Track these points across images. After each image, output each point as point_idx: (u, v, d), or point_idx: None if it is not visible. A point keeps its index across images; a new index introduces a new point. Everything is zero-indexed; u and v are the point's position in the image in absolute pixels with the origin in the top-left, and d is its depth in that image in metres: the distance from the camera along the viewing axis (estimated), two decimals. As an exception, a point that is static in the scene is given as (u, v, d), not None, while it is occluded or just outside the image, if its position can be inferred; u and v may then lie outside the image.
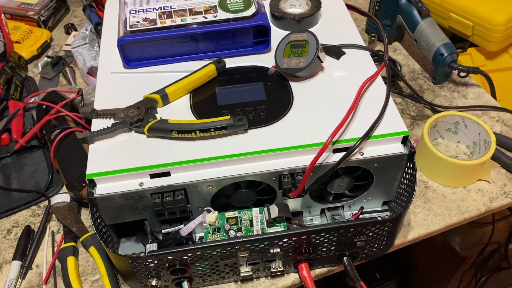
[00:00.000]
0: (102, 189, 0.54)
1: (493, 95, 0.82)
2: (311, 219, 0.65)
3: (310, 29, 0.71)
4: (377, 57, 0.73)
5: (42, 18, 0.98)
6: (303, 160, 0.56)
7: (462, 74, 0.81)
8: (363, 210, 0.65)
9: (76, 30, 0.99)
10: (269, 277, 0.61)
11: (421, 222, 0.65)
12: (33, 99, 0.81)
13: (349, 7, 0.77)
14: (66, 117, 0.74)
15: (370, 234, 0.56)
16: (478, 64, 1.05)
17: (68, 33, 0.99)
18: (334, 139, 0.55)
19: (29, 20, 0.98)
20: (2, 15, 0.88)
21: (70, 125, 0.73)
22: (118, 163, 0.55)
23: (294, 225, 0.60)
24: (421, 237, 0.65)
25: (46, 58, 0.92)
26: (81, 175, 0.66)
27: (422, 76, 0.86)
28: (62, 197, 0.67)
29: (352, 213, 0.65)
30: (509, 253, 1.03)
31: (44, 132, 0.74)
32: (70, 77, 0.87)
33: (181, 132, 0.56)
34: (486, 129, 0.68)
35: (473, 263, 1.00)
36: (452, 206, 0.67)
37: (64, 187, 0.70)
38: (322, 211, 0.65)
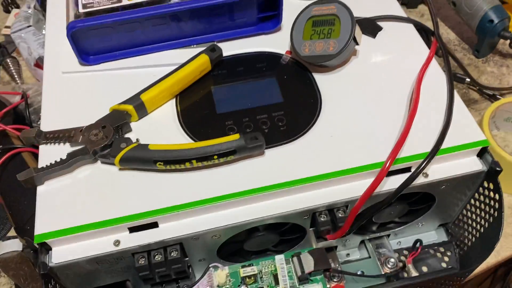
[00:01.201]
0: (61, 254, 0.37)
1: (551, 68, 0.66)
2: (347, 253, 0.50)
3: (331, -3, 0.53)
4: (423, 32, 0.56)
5: (-29, -7, 0.76)
6: (347, 191, 0.39)
7: (514, 44, 0.65)
8: (426, 245, 0.49)
9: (18, 7, 0.78)
10: None
11: (488, 246, 0.50)
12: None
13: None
14: (9, 133, 0.55)
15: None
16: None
17: (7, 11, 0.78)
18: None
19: (-45, -4, 0.76)
20: None
21: (14, 143, 0.54)
22: (82, 215, 0.37)
23: (332, 274, 0.44)
24: (490, 267, 0.50)
25: (-20, 46, 0.71)
26: (34, 215, 0.48)
27: (460, 48, 0.70)
28: (11, 245, 0.49)
29: (399, 242, 0.50)
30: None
31: (-20, 153, 0.55)
32: (13, 70, 0.67)
33: (170, 163, 0.38)
34: (561, 119, 0.53)
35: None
36: (524, 222, 0.52)
37: (13, 230, 0.52)
38: (361, 242, 0.50)
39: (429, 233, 0.51)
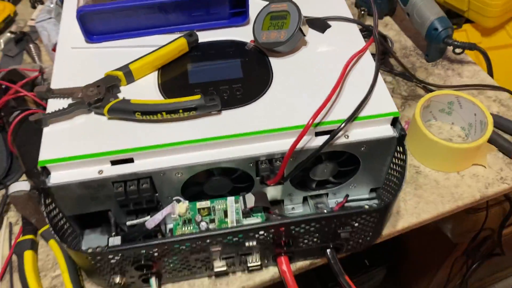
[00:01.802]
0: (57, 177, 0.49)
1: (490, 73, 0.77)
2: (293, 207, 0.60)
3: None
4: (367, 32, 0.67)
5: (5, -10, 0.90)
6: (283, 144, 0.50)
7: (457, 50, 0.76)
8: (349, 198, 0.59)
9: (43, 3, 0.92)
10: (246, 272, 0.56)
11: (412, 210, 0.60)
12: (-8, 78, 0.74)
13: (336, -24, 0.70)
14: (26, 98, 0.67)
15: (356, 224, 0.51)
16: (473, 41, 1.00)
17: (34, 7, 0.91)
18: (317, 121, 0.50)
19: (-9, -8, 0.90)
20: (-41, -14, 0.81)
21: (30, 106, 0.66)
22: (75, 149, 0.49)
23: (273, 215, 0.54)
24: (411, 226, 0.60)
25: (9, 34, 0.85)
26: (41, 161, 0.60)
27: (414, 53, 0.80)
28: (21, 185, 0.61)
29: (337, 201, 0.60)
30: (502, 239, 0.99)
31: (2, 114, 0.67)
32: (34, 54, 0.80)
33: (146, 113, 0.50)
34: (482, 110, 0.63)
35: (465, 250, 0.96)
36: (445, 193, 0.62)
37: (24, 174, 0.64)
38: (305, 199, 0.60)
39: (363, 197, 0.61)
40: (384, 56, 0.77)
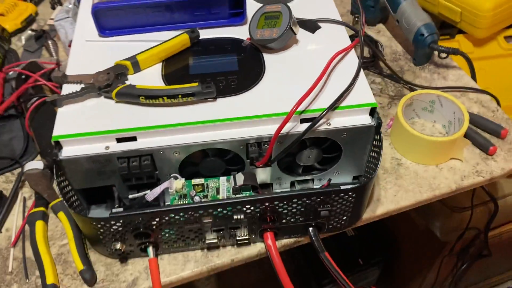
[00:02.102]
0: (68, 151, 0.55)
1: (473, 77, 0.82)
2: (281, 191, 0.65)
3: (289, 3, 0.71)
4: (355, 34, 0.73)
5: (28, -8, 0.98)
6: (270, 129, 0.56)
7: (442, 55, 0.81)
8: (334, 183, 0.65)
9: (61, 4, 0.99)
10: (235, 246, 0.61)
11: (391, 198, 0.65)
12: (13, 69, 0.81)
13: (330, -16, 0.77)
14: (44, 86, 0.74)
15: (334, 203, 0.56)
16: (466, 51, 1.05)
17: (53, 8, 0.99)
18: (301, 109, 0.56)
19: (15, -7, 0.98)
20: (-13, -14, 0.88)
21: (46, 94, 0.73)
22: (85, 126, 0.55)
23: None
24: (390, 212, 0.65)
25: (30, 32, 0.92)
26: (54, 142, 0.66)
27: (403, 57, 0.86)
28: (35, 164, 0.67)
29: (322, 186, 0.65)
30: (491, 241, 1.03)
31: (21, 100, 0.74)
32: (52, 50, 0.88)
33: (149, 97, 0.56)
34: (460, 108, 0.68)
35: (452, 248, 1.00)
36: (423, 183, 0.67)
37: (38, 155, 0.70)
38: (293, 184, 0.65)
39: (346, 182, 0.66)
40: (374, 59, 0.82)
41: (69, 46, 0.83)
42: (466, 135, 0.71)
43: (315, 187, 0.65)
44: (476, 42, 1.05)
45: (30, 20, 0.95)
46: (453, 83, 0.81)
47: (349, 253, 1.20)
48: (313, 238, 0.59)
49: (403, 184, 0.67)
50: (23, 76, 0.77)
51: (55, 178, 0.54)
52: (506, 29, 1.06)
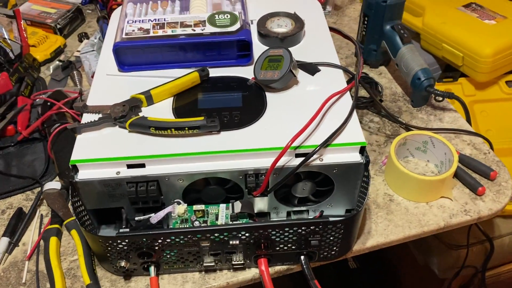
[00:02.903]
0: (84, 174, 0.61)
1: (468, 120, 0.86)
2: (275, 220, 0.70)
3: (292, 48, 0.77)
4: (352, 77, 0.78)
5: (58, 26, 1.07)
6: (267, 162, 0.61)
7: (438, 98, 0.86)
8: (326, 215, 0.69)
9: (88, 38, 1.08)
10: (231, 270, 0.65)
11: (381, 231, 0.69)
12: (40, 96, 0.89)
13: (334, 30, 0.83)
14: (66, 113, 0.81)
15: (324, 234, 0.60)
16: (468, 93, 1.10)
17: (81, 41, 1.08)
18: (296, 144, 0.61)
19: (47, 27, 1.07)
20: (22, 21, 0.97)
21: (68, 121, 0.80)
22: (100, 152, 0.61)
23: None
24: (380, 245, 0.68)
25: (57, 62, 1.01)
26: (72, 165, 0.73)
27: (402, 99, 0.91)
28: (54, 184, 0.73)
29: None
30: (487, 280, 1.05)
31: (45, 125, 0.81)
32: (76, 79, 0.95)
33: (158, 128, 0.62)
34: (450, 149, 0.72)
35: (449, 285, 1.02)
36: (413, 219, 0.70)
37: (57, 176, 0.77)
38: (289, 214, 0.70)
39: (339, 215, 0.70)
40: (373, 100, 0.87)
41: (92, 77, 0.91)
42: (456, 175, 0.74)
43: (309, 217, 0.70)
44: (478, 85, 1.10)
45: (58, 52, 1.04)
46: (448, 125, 0.85)
47: (350, 285, 1.22)
48: (304, 266, 0.63)
49: (393, 219, 0.71)
50: (49, 103, 0.84)
51: (70, 198, 0.60)
52: (507, 74, 1.10)
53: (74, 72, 0.96)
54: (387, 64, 0.99)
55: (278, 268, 0.65)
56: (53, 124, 0.80)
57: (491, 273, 1.05)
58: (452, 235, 0.97)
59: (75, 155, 0.61)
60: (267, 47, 0.76)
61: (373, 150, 0.81)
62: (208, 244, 0.60)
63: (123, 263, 0.61)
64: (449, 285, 1.02)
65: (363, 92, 0.90)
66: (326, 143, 0.61)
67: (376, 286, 1.22)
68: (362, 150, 0.62)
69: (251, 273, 0.65)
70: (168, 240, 0.59)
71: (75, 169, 0.61)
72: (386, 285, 1.22)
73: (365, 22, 0.92)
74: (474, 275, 1.04)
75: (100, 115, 0.65)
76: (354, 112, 0.65)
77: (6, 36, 0.98)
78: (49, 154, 0.77)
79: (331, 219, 0.58)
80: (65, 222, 0.70)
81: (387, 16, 0.89)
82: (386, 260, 1.24)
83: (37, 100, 0.89)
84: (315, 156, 0.60)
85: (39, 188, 0.76)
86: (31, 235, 0.70)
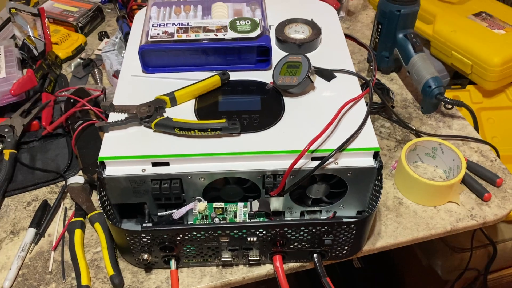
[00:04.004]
0: (111, 171, 0.64)
1: (476, 127, 0.89)
2: (291, 219, 0.73)
3: (309, 54, 0.80)
4: (366, 83, 0.81)
5: (79, 25, 1.11)
6: (285, 164, 0.64)
7: (448, 106, 0.89)
8: (338, 216, 0.72)
9: (108, 37, 1.11)
10: (247, 265, 0.68)
11: (391, 233, 0.72)
12: (63, 93, 0.92)
13: (348, 36, 0.86)
14: (89, 111, 0.84)
15: (337, 234, 0.63)
16: (476, 101, 1.13)
17: (101, 40, 1.11)
18: (313, 148, 0.64)
19: (69, 25, 1.10)
20: (46, 19, 1.00)
21: (91, 118, 0.83)
22: (126, 150, 0.64)
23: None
24: (389, 246, 0.71)
25: (79, 60, 1.04)
26: (95, 161, 0.75)
27: (413, 105, 0.94)
28: (77, 179, 0.77)
29: (328, 217, 0.73)
30: (489, 283, 1.08)
31: (69, 122, 0.85)
32: (97, 77, 0.98)
33: (182, 129, 0.65)
34: (459, 156, 0.75)
35: (452, 287, 1.05)
36: (421, 222, 0.74)
37: (80, 171, 0.80)
38: (302, 213, 0.73)
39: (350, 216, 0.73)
40: (384, 105, 0.90)
41: (113, 75, 0.94)
42: (463, 181, 0.77)
43: (322, 218, 0.73)
44: (486, 93, 1.12)
45: (79, 49, 1.07)
46: (457, 132, 0.88)
47: (354, 284, 1.25)
48: (317, 264, 0.66)
49: (402, 221, 0.74)
50: (72, 100, 0.87)
51: (98, 193, 0.63)
52: (515, 83, 1.13)
53: (95, 70, 0.99)
54: (399, 71, 1.02)
55: (291, 265, 0.69)
56: (76, 120, 0.83)
57: (493, 276, 1.08)
58: (457, 238, 1.00)
59: (103, 152, 0.64)
60: (285, 53, 0.79)
61: (384, 154, 0.84)
62: (227, 240, 0.63)
63: (145, 256, 0.64)
64: (452, 286, 1.05)
65: (375, 98, 0.93)
66: (342, 148, 0.64)
67: (380, 286, 1.25)
68: (376, 155, 0.65)
69: (265, 269, 0.68)
70: (190, 235, 0.62)
71: (102, 165, 0.64)
72: (389, 285, 1.25)
73: (379, 30, 0.95)
74: (477, 278, 1.07)
75: (126, 115, 0.68)
76: (369, 118, 0.68)
77: (30, 34, 1.01)
78: (73, 150, 0.81)
79: (344, 220, 0.62)
80: (88, 216, 0.73)
81: (400, 25, 0.92)
82: (390, 260, 1.27)
83: (60, 96, 0.92)
84: (330, 160, 0.64)
85: (63, 182, 0.80)
86: (56, 227, 0.74)
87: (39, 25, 1.00)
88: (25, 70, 0.91)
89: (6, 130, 0.84)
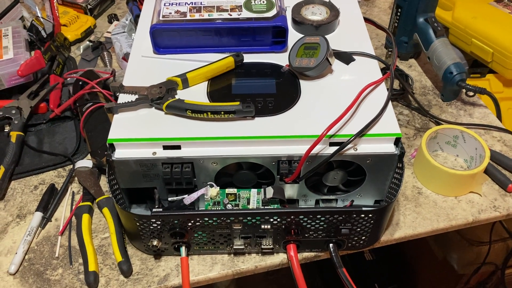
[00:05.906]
0: (120, 153, 0.61)
1: (499, 116, 0.85)
2: (307, 207, 0.70)
3: (327, 36, 0.77)
4: (386, 68, 0.78)
5: (89, 7, 1.08)
6: (301, 149, 0.61)
7: (469, 93, 0.85)
8: (356, 204, 0.69)
9: (118, 20, 1.08)
10: (260, 254, 0.66)
11: (409, 223, 0.69)
12: (72, 75, 0.90)
13: (367, 20, 0.82)
14: (98, 93, 0.82)
15: (355, 223, 0.60)
16: (495, 90, 1.08)
17: (110, 22, 1.08)
18: (331, 133, 0.61)
19: (78, 7, 1.08)
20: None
21: (101, 100, 0.81)
22: (136, 133, 0.62)
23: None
24: (407, 237, 0.69)
25: (88, 42, 1.02)
26: (104, 144, 0.73)
27: (432, 92, 0.90)
28: (85, 162, 0.75)
29: (345, 206, 0.70)
30: (506, 278, 1.05)
31: (77, 104, 0.82)
32: (106, 60, 0.96)
33: (195, 112, 0.62)
34: (482, 145, 0.72)
35: (468, 281, 1.02)
36: (441, 213, 0.71)
37: (89, 154, 0.78)
38: (317, 202, 0.70)
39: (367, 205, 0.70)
40: (403, 92, 0.87)
41: (123, 58, 0.92)
42: (486, 171, 0.74)
43: (340, 206, 0.70)
44: (506, 82, 1.08)
45: (89, 32, 1.05)
46: (478, 121, 0.84)
47: (366, 277, 1.22)
48: (333, 254, 0.63)
49: (421, 211, 0.71)
50: (80, 83, 0.85)
51: (106, 176, 0.61)
52: (536, 72, 1.09)
53: (105, 53, 0.97)
54: (417, 57, 0.98)
55: (306, 254, 0.66)
56: (85, 103, 0.81)
57: (511, 271, 1.04)
58: (474, 231, 0.97)
59: (113, 134, 0.62)
60: (301, 35, 0.76)
61: (402, 142, 0.80)
62: (240, 227, 0.61)
63: (155, 242, 0.62)
64: (468, 281, 1.02)
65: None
66: (362, 133, 0.61)
67: (391, 279, 1.22)
68: (397, 141, 0.62)
69: (279, 258, 0.66)
70: (202, 221, 0.60)
71: (112, 147, 0.62)
72: (402, 278, 1.22)
73: (398, 14, 0.92)
74: (493, 272, 1.04)
75: (137, 96, 0.66)
76: (390, 103, 0.65)
77: (39, 15, 0.99)
78: (82, 133, 0.78)
79: (363, 208, 0.59)
80: (97, 200, 0.71)
81: (421, 8, 0.88)
82: (402, 253, 1.24)
83: (68, 79, 0.89)
84: (349, 146, 0.61)
85: (71, 166, 0.78)
86: (63, 211, 0.72)
87: (48, 6, 0.97)
88: (33, 52, 0.89)
89: (13, 112, 0.81)
